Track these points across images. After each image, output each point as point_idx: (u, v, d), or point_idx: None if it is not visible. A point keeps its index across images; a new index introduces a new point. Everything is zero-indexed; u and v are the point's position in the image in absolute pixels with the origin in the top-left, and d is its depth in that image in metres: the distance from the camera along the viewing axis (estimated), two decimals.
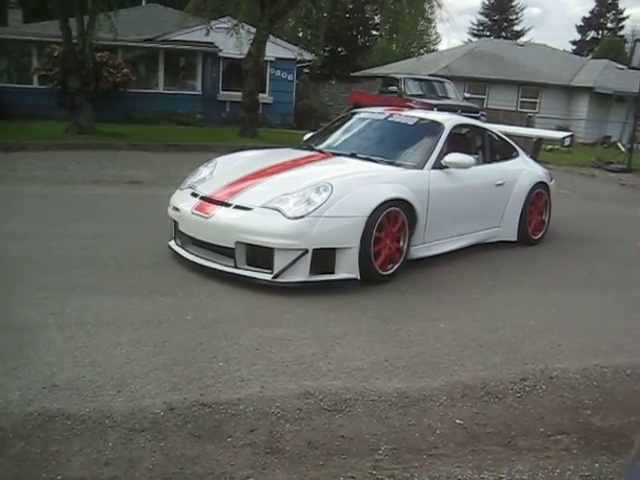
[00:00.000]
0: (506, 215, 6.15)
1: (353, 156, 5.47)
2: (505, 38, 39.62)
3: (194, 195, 4.89)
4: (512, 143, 6.63)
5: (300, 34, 22.72)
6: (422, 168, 5.25)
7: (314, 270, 4.38)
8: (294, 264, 4.31)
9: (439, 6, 14.90)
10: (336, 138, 6.06)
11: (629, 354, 3.80)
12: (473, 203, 5.68)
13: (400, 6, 14.82)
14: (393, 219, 4.73)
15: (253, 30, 14.68)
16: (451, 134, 5.67)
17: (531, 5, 74.94)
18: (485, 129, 6.49)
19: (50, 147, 10.90)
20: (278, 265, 4.31)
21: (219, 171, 5.24)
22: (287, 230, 4.32)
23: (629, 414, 3.11)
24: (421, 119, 6.00)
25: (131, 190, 8.03)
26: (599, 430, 2.97)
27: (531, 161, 6.75)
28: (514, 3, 44.66)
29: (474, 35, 44.24)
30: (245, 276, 4.40)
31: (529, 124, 18.45)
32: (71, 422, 2.60)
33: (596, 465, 2.69)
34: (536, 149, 7.24)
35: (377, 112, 6.27)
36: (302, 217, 4.33)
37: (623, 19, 44.52)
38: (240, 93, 15.35)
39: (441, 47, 39.55)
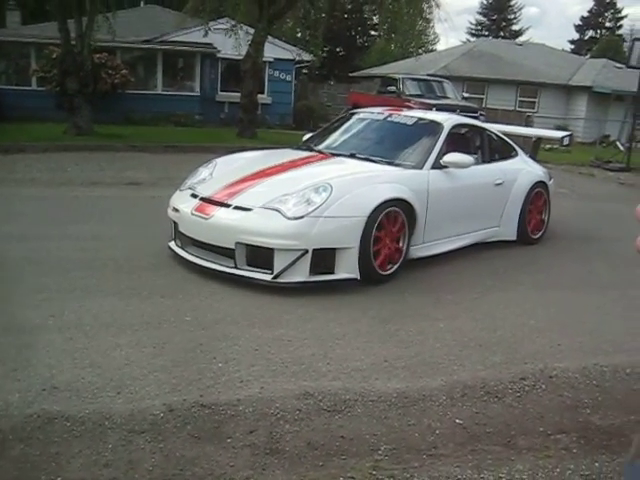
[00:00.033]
0: (505, 215, 6.15)
1: (352, 156, 5.47)
2: (503, 38, 39.63)
3: (194, 196, 4.90)
4: (511, 143, 6.63)
5: (298, 35, 22.75)
6: (421, 168, 5.25)
7: (314, 270, 4.38)
8: (294, 264, 4.31)
9: (437, 6, 14.91)
10: (335, 138, 6.06)
11: (628, 353, 3.80)
12: (472, 203, 5.69)
13: (398, 6, 14.80)
14: (392, 219, 4.73)
15: (251, 31, 14.68)
16: (450, 134, 5.67)
17: (529, 5, 75.18)
18: (484, 129, 6.49)
19: (49, 149, 10.90)
20: (278, 265, 4.32)
21: (219, 172, 5.25)
22: (287, 230, 4.32)
23: (629, 413, 3.11)
24: (420, 119, 6.00)
25: (130, 191, 8.02)
26: (599, 429, 2.97)
27: (530, 160, 6.75)
28: (512, 3, 44.75)
29: (472, 35, 44.31)
30: (245, 277, 4.40)
31: (528, 124, 18.41)
32: (71, 424, 2.60)
33: (596, 464, 2.69)
34: (535, 148, 7.24)
35: (376, 112, 6.27)
36: (302, 217, 4.34)
37: (621, 18, 44.71)
38: (239, 94, 15.32)
39: (439, 47, 39.67)
